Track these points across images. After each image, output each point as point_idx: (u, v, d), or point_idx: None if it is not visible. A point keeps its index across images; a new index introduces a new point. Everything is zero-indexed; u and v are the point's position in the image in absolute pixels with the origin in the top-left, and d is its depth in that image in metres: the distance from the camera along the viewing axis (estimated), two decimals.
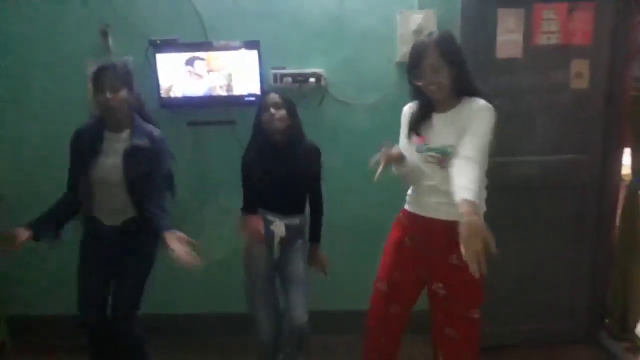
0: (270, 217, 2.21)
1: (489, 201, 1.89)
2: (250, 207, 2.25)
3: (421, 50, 1.76)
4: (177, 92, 2.60)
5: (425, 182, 1.85)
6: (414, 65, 1.79)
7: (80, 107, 2.60)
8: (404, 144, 1.92)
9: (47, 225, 2.07)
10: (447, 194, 1.75)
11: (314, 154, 2.24)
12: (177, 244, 1.96)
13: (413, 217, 1.92)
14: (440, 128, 1.80)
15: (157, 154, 2.12)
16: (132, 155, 2.05)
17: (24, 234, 1.98)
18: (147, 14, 2.64)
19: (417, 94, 1.85)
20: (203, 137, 2.76)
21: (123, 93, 2.02)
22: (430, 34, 1.81)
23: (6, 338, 2.85)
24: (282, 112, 2.13)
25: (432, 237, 1.86)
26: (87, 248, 2.18)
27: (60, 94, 2.69)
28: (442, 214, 1.82)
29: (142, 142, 2.08)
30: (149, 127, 2.15)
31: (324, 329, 2.57)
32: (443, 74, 1.74)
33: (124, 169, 2.05)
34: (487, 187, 1.87)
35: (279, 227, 2.20)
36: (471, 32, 2.43)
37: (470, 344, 1.87)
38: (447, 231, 1.77)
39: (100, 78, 2.00)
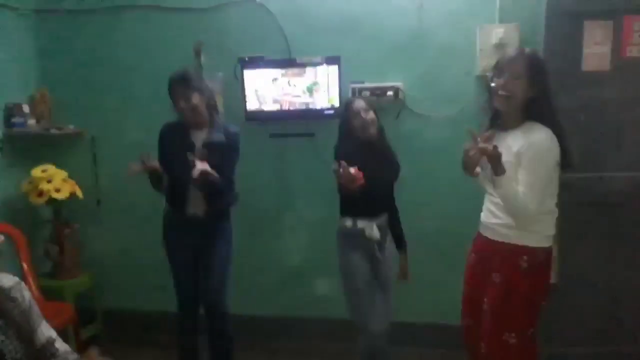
0: (361, 224, 2.20)
1: (574, 218, 1.86)
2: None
3: (513, 56, 1.78)
4: (262, 106, 2.76)
5: (486, 199, 1.93)
6: (499, 66, 1.81)
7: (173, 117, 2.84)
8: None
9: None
10: (497, 213, 1.84)
11: (395, 153, 2.30)
12: None
13: (477, 235, 2.00)
14: (501, 146, 1.75)
15: (230, 146, 2.33)
16: (209, 148, 2.26)
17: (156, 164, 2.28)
18: (236, 33, 2.83)
19: (490, 103, 1.86)
20: (284, 149, 2.90)
21: (195, 99, 2.25)
22: (528, 49, 1.82)
23: (101, 331, 3.11)
24: (372, 115, 2.17)
25: (485, 255, 1.91)
26: (173, 239, 2.41)
27: (157, 110, 2.93)
28: (498, 236, 1.87)
29: (219, 137, 2.31)
30: (226, 124, 2.40)
31: (401, 342, 2.58)
32: (519, 86, 1.73)
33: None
34: (557, 206, 1.86)
35: (372, 230, 2.19)
36: (556, 45, 2.39)
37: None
38: (494, 250, 1.88)
39: (172, 89, 2.26)
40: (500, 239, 1.85)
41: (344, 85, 2.67)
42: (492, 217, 1.89)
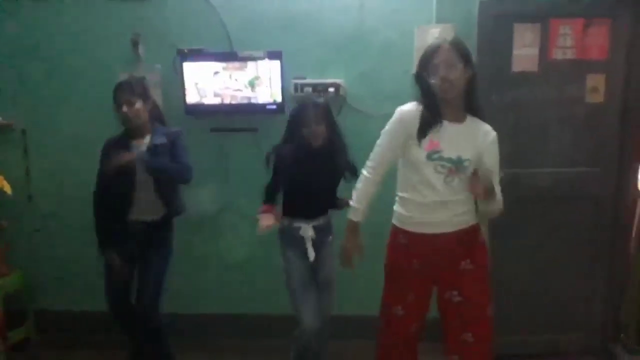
0: (296, 224, 2.25)
1: (505, 213, 1.93)
2: (270, 200, 2.31)
3: (436, 48, 1.79)
4: (202, 100, 2.72)
5: (430, 197, 1.82)
6: (426, 61, 1.80)
7: (112, 113, 2.74)
8: (393, 147, 1.89)
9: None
10: (455, 205, 1.84)
11: (346, 156, 2.28)
12: None
13: (418, 237, 1.88)
14: (456, 138, 1.79)
15: (174, 146, 2.35)
16: (153, 153, 2.29)
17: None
18: (175, 24, 2.77)
19: (426, 96, 1.83)
20: (226, 144, 2.87)
21: (138, 105, 2.28)
22: (445, 39, 1.85)
23: (32, 332, 2.97)
24: (322, 128, 2.16)
25: (442, 251, 1.86)
26: (114, 244, 2.36)
27: (93, 100, 2.82)
28: (451, 226, 1.86)
29: (161, 140, 2.33)
30: (167, 128, 2.43)
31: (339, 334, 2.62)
32: (457, 71, 1.76)
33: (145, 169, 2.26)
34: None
35: (306, 230, 2.24)
36: (487, 46, 2.49)
37: (487, 344, 1.90)
38: (457, 240, 1.86)
39: (117, 94, 2.28)
40: (460, 227, 1.86)
41: (286, 81, 2.68)
42: (445, 212, 1.84)
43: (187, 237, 2.81)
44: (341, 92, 2.72)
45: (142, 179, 2.29)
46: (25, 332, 2.92)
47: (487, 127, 1.85)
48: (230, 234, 2.95)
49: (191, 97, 2.71)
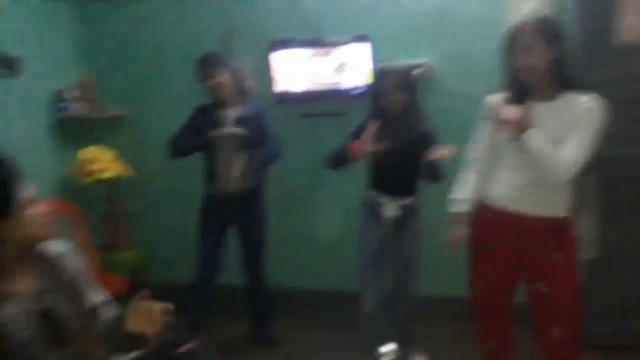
0: (380, 200, 2.28)
1: (608, 192, 1.81)
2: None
3: (516, 29, 1.71)
4: (292, 88, 2.83)
5: (519, 179, 1.77)
6: (507, 44, 1.73)
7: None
8: (487, 138, 1.89)
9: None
10: (546, 190, 1.75)
11: (430, 137, 2.20)
12: None
13: (505, 216, 1.82)
14: (544, 119, 1.70)
15: (260, 118, 2.52)
16: (241, 123, 2.46)
17: None
18: (266, 16, 2.91)
19: (511, 80, 1.75)
20: (316, 129, 2.97)
21: (224, 77, 2.45)
22: (534, 18, 1.74)
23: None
24: (400, 96, 2.11)
25: (530, 236, 1.79)
26: (207, 214, 2.61)
27: (192, 92, 3.06)
28: (540, 210, 1.77)
29: (248, 112, 2.50)
30: (253, 102, 2.59)
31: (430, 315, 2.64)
32: (538, 54, 1.66)
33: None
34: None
35: (390, 208, 2.26)
36: (587, 14, 2.30)
37: (574, 341, 1.83)
38: (546, 227, 1.79)
39: (203, 67, 2.45)
40: (550, 215, 1.78)
41: (373, 64, 2.70)
42: (534, 195, 1.77)
43: (282, 218, 2.99)
44: (429, 73, 2.68)
45: (232, 153, 2.46)
46: None
47: (584, 98, 1.70)
48: (322, 214, 3.08)
49: (280, 86, 2.84)
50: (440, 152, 2.03)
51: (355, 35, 2.69)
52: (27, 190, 1.29)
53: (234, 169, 2.49)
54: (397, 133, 2.16)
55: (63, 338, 1.32)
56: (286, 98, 2.86)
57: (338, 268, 3.11)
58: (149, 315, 1.31)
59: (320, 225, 3.12)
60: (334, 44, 2.71)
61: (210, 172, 2.53)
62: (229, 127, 2.45)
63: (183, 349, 1.42)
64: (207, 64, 2.44)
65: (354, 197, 2.50)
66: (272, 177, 2.72)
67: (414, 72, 2.64)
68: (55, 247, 1.44)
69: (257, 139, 2.48)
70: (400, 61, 2.67)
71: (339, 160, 2.26)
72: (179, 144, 2.51)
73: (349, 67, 2.72)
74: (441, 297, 2.79)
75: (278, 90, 2.85)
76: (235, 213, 2.56)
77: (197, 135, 2.47)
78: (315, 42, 2.75)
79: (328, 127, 2.93)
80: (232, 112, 2.50)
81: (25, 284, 1.32)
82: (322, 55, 2.74)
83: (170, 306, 1.35)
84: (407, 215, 2.29)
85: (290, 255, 3.16)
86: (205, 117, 2.49)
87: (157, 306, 1.33)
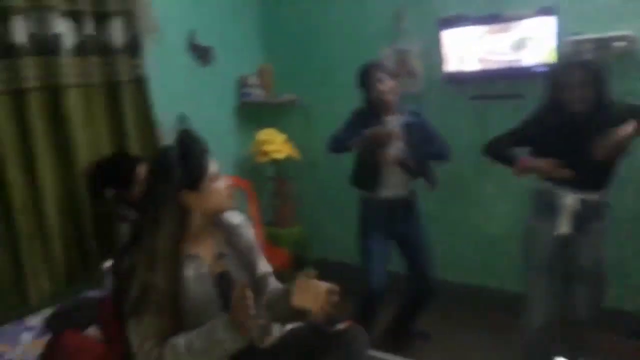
0: (558, 191, 1.97)
1: None
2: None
3: None
4: (462, 67, 2.66)
5: None
6: None
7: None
8: None
9: None
10: None
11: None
12: None
13: None
14: None
15: (424, 124, 2.37)
16: (405, 131, 2.32)
17: None
18: None
19: None
20: (486, 112, 2.75)
21: (392, 82, 2.34)
22: None
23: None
24: (588, 92, 1.83)
25: None
26: (368, 219, 2.52)
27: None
28: None
29: (412, 119, 2.36)
30: (411, 107, 2.44)
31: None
32: None
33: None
34: None
35: (570, 200, 1.92)
36: None
37: None
38: None
39: (370, 73, 2.37)
40: None
41: (559, 39, 2.38)
42: None
43: (442, 207, 2.86)
44: (632, 47, 2.26)
45: (395, 156, 2.34)
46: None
47: None
48: (487, 205, 2.87)
49: (451, 65, 2.68)
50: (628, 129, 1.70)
51: (539, 8, 2.39)
52: (213, 166, 1.43)
53: (396, 175, 2.40)
54: (580, 133, 1.87)
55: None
56: (456, 79, 2.70)
57: (501, 265, 2.88)
58: (315, 293, 1.34)
59: (484, 217, 2.91)
60: (514, 19, 2.45)
61: (371, 177, 2.44)
62: (393, 128, 2.32)
63: (337, 327, 1.44)
64: (376, 69, 2.38)
65: (525, 187, 2.25)
66: (433, 166, 2.59)
67: (615, 45, 2.27)
68: (234, 218, 1.58)
69: (419, 151, 2.37)
70: (594, 35, 2.32)
71: (503, 161, 2.12)
72: (339, 138, 2.47)
73: (530, 43, 2.44)
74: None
75: (447, 70, 2.70)
76: (396, 220, 2.46)
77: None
78: (492, 17, 2.53)
79: (499, 110, 2.69)
80: (394, 120, 2.39)
81: (206, 249, 1.46)
82: (498, 32, 2.51)
83: (336, 287, 1.36)
84: (591, 214, 1.93)
85: (449, 247, 3.01)
86: (365, 122, 2.37)
87: (324, 285, 1.36)
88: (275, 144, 3.24)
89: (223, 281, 1.43)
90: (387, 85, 2.34)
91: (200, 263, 1.42)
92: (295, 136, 3.40)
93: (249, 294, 1.25)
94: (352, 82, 3.10)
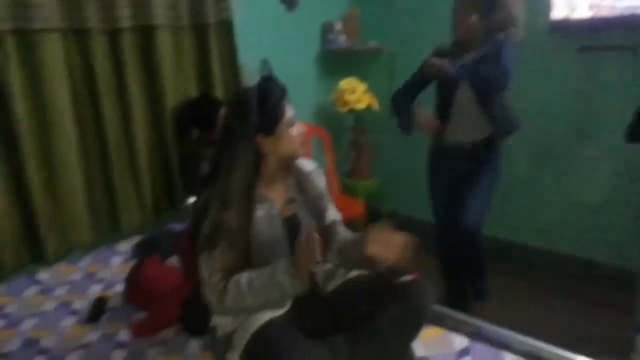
0: None
1: None
2: None
3: None
4: (572, 14, 2.37)
5: None
6: None
7: None
8: None
9: None
10: None
11: None
12: None
13: None
14: None
15: (498, 54, 2.02)
16: (475, 66, 2.05)
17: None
18: None
19: None
20: (595, 66, 2.46)
21: (473, 18, 2.07)
22: None
23: None
24: None
25: None
26: (436, 163, 2.38)
27: (444, 31, 2.87)
28: None
29: (484, 51, 2.06)
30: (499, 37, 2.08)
31: None
32: None
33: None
34: None
35: None
36: None
37: None
38: None
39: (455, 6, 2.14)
40: None
41: None
42: None
43: (532, 169, 2.66)
44: None
45: (463, 96, 2.14)
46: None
47: None
48: (584, 171, 2.62)
49: (558, 11, 2.40)
50: None
51: None
52: (290, 112, 1.42)
53: (464, 116, 2.18)
54: None
55: None
56: (563, 27, 2.42)
57: (594, 235, 2.65)
58: (390, 244, 1.32)
59: (579, 184, 2.68)
60: None
61: (441, 119, 2.25)
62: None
63: (403, 279, 1.41)
64: (461, 3, 2.15)
65: (628, 152, 2.01)
66: (526, 124, 2.38)
67: None
68: (306, 165, 1.58)
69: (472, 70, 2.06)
70: None
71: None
72: (396, 96, 2.34)
73: None
74: None
75: (553, 17, 2.42)
76: (464, 168, 2.25)
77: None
78: None
79: (612, 64, 2.40)
80: (471, 55, 2.14)
81: (278, 193, 1.48)
82: None
83: (411, 239, 1.33)
84: None
85: (535, 213, 2.83)
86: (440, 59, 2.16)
87: (399, 237, 1.33)
88: (356, 93, 3.16)
89: (291, 224, 1.45)
90: (466, 22, 2.11)
91: (271, 206, 1.44)
92: (377, 86, 3.29)
93: (316, 239, 1.24)
94: (440, 31, 2.93)
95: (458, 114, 2.18)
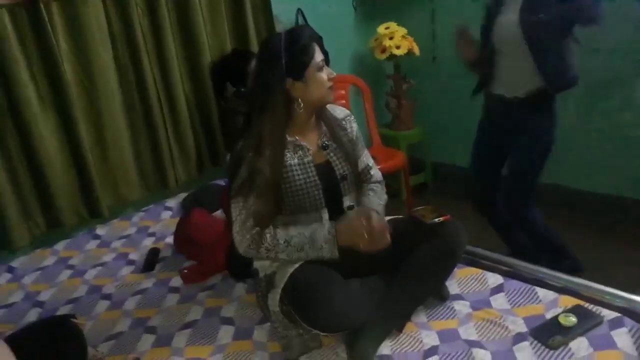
0: None
1: None
2: None
3: None
4: None
5: None
6: None
7: None
8: None
9: None
10: None
11: None
12: None
13: None
14: None
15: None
16: (529, 5, 1.84)
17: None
18: None
19: None
20: None
21: None
22: None
23: (429, 179, 3.45)
24: None
25: None
26: (482, 120, 2.25)
27: None
28: None
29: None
30: None
31: None
32: None
33: (520, 22, 1.86)
34: None
35: None
36: None
37: None
38: None
39: None
40: None
41: None
42: None
43: (588, 106, 2.53)
44: None
45: (509, 39, 1.91)
46: (423, 178, 3.42)
47: None
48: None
49: None
50: None
51: None
52: (319, 56, 1.41)
53: (509, 65, 1.96)
54: None
55: (335, 190, 1.47)
56: None
57: None
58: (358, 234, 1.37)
59: (632, 122, 2.51)
60: None
61: (490, 70, 2.06)
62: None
63: (435, 220, 1.42)
64: None
65: None
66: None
67: None
68: (339, 111, 1.58)
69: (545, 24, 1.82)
70: None
71: None
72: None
73: None
74: None
75: None
76: (513, 125, 2.03)
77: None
78: None
79: None
80: None
81: (311, 140, 1.49)
82: None
83: (386, 227, 1.37)
84: None
85: (593, 154, 2.70)
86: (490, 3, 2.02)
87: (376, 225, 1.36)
88: (395, 38, 3.05)
89: (324, 171, 1.47)
90: None
91: (305, 152, 1.46)
92: (417, 30, 3.16)
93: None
94: None
95: (503, 61, 1.98)
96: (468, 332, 1.38)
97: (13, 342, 1.16)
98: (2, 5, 1.87)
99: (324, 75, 1.41)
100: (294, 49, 1.36)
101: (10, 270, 2.01)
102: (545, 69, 1.87)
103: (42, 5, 1.94)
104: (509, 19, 1.92)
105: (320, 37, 1.44)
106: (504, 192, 2.19)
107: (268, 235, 1.37)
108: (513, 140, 2.07)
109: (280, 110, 1.39)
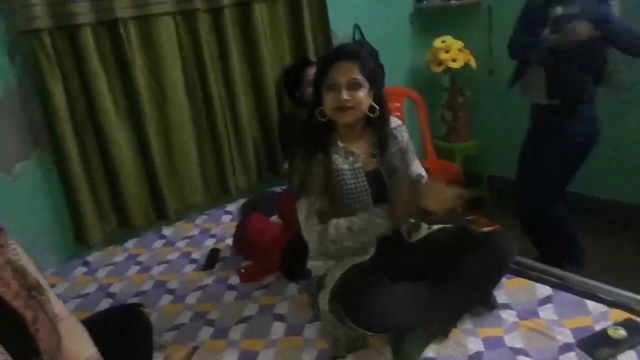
0: None
1: None
2: None
3: None
4: None
5: None
6: None
7: None
8: None
9: None
10: None
11: None
12: None
13: None
14: None
15: (600, 12, 1.92)
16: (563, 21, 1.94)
17: None
18: None
19: None
20: None
21: None
22: None
23: (485, 192, 3.40)
24: None
25: None
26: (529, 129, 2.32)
27: None
28: None
29: (573, 10, 1.96)
30: None
31: None
32: None
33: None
34: None
35: None
36: None
37: None
38: None
39: None
40: None
41: None
42: None
43: (621, 109, 2.48)
44: None
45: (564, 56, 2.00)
46: (480, 191, 3.38)
47: None
48: None
49: None
50: None
51: None
52: (339, 76, 1.46)
53: (536, 75, 2.09)
54: None
55: (384, 196, 1.53)
56: None
57: None
58: (440, 197, 1.39)
59: None
60: None
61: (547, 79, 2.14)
62: (573, 27, 1.93)
63: (484, 230, 1.45)
64: None
65: None
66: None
67: None
68: (392, 121, 1.64)
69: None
70: None
71: None
72: (518, 43, 2.24)
73: None
74: None
75: None
76: (550, 130, 2.14)
77: (530, 36, 2.13)
78: None
79: None
80: (563, 9, 2.03)
81: (362, 148, 1.56)
82: None
83: (461, 191, 1.38)
84: None
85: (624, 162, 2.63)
86: (534, 13, 2.11)
87: (451, 190, 1.38)
88: (451, 51, 3.07)
89: (373, 177, 1.53)
90: None
91: (355, 159, 1.53)
92: (473, 44, 3.17)
93: (416, 192, 1.35)
94: None
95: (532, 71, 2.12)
96: (514, 340, 1.39)
97: (89, 324, 1.28)
98: (86, 24, 2.09)
99: (331, 96, 1.46)
100: (318, 66, 1.50)
101: (86, 264, 2.21)
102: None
103: (120, 24, 2.15)
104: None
105: (375, 52, 1.53)
106: (534, 194, 2.27)
107: (331, 228, 1.45)
108: (543, 143, 2.17)
109: (319, 122, 1.50)
